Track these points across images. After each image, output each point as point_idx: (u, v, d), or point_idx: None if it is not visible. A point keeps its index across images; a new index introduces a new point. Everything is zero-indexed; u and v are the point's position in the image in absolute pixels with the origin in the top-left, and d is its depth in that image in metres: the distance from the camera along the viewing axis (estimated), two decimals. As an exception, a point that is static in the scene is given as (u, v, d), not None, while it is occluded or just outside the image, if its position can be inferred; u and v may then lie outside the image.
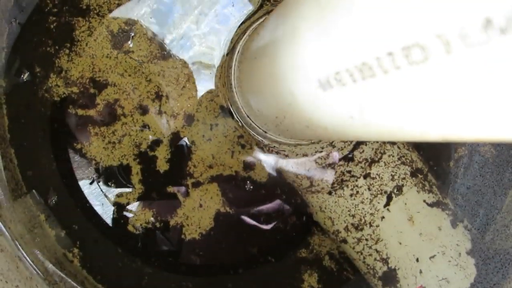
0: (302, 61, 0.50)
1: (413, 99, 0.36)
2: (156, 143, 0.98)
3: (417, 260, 0.88)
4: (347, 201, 0.90)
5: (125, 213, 1.00)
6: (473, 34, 0.27)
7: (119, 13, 0.96)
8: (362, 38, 0.37)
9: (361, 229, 0.90)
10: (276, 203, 1.03)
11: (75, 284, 0.99)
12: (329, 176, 0.91)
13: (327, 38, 0.43)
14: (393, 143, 0.91)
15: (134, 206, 1.00)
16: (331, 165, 0.91)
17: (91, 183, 0.99)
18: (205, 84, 0.97)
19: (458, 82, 0.31)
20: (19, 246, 0.92)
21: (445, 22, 0.29)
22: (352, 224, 0.91)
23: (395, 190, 0.89)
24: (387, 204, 0.89)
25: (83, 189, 0.99)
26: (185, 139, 0.98)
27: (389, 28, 0.34)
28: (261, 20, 0.92)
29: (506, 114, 0.30)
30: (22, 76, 0.94)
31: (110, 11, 0.95)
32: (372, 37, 0.36)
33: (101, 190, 0.99)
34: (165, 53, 0.96)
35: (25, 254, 0.92)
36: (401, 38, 0.33)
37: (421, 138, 0.41)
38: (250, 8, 0.97)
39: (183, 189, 0.99)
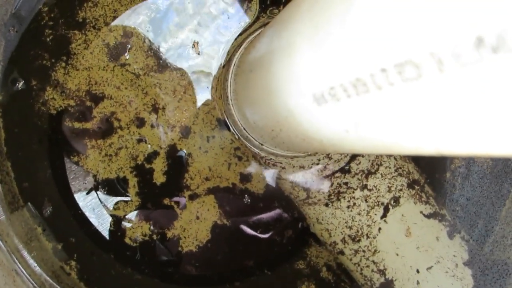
0: (297, 76, 0.50)
1: (407, 115, 0.36)
2: (153, 155, 0.98)
3: (415, 271, 0.88)
4: (344, 213, 0.90)
5: (122, 225, 1.00)
6: (466, 53, 0.27)
7: (117, 21, 0.96)
8: (356, 54, 0.37)
9: (358, 241, 0.90)
10: (275, 212, 1.03)
11: (72, 297, 0.99)
12: (326, 188, 0.91)
13: (321, 53, 0.43)
14: (389, 155, 0.91)
15: (131, 218, 0.99)
16: (328, 177, 0.91)
17: (87, 196, 0.99)
18: (201, 96, 0.97)
19: (451, 100, 0.31)
20: (16, 260, 0.92)
21: (438, 41, 0.29)
22: (349, 236, 0.91)
23: (392, 202, 0.89)
24: (384, 215, 0.89)
25: (79, 202, 0.99)
26: (182, 151, 0.98)
27: (382, 44, 0.34)
28: (257, 32, 0.92)
29: (498, 131, 0.30)
30: (17, 84, 0.93)
31: (107, 24, 0.95)
32: (366, 53, 0.36)
33: (99, 203, 0.99)
34: (162, 65, 0.96)
35: (21, 268, 0.92)
36: (394, 55, 0.33)
37: (416, 153, 0.41)
38: (246, 20, 0.97)
39: (183, 200, 0.99)
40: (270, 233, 1.04)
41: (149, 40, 0.96)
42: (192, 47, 0.97)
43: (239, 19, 0.97)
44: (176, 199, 1.00)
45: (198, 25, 0.97)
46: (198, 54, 0.97)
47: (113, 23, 0.96)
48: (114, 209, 0.99)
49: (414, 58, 0.31)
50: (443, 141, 0.36)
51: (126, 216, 0.99)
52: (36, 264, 0.96)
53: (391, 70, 0.34)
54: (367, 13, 0.35)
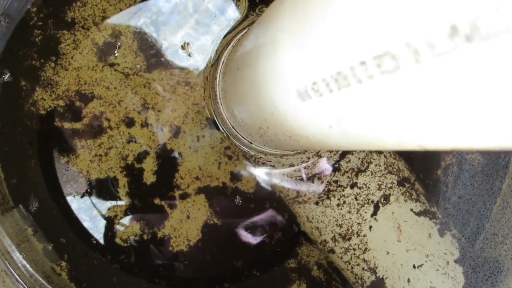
0: (281, 72, 0.50)
1: (387, 109, 0.36)
2: (143, 155, 0.98)
3: (405, 269, 0.88)
4: (334, 211, 0.90)
5: (112, 225, 0.99)
6: (440, 42, 0.27)
7: (107, 21, 0.96)
8: (335, 47, 0.37)
9: (349, 239, 0.90)
10: (268, 214, 1.03)
11: (63, 298, 0.99)
12: (316, 186, 0.91)
13: (303, 48, 0.43)
14: (379, 152, 0.91)
15: (121, 218, 0.99)
16: (318, 175, 0.90)
17: (78, 196, 0.98)
18: (191, 95, 0.97)
19: (429, 92, 0.31)
20: (6, 261, 0.92)
21: (412, 30, 0.28)
22: (340, 234, 0.91)
23: (382, 200, 0.89)
24: (374, 213, 0.89)
25: (70, 203, 0.99)
26: (172, 151, 0.98)
27: (360, 37, 0.34)
28: (245, 30, 0.92)
29: (478, 122, 0.30)
30: (3, 76, 0.93)
31: (96, 23, 0.95)
32: (345, 46, 0.36)
33: (89, 203, 0.99)
34: (151, 64, 0.96)
35: (11, 269, 0.92)
36: (372, 47, 0.33)
37: (399, 147, 0.41)
38: (235, 18, 0.97)
39: (175, 202, 0.99)
40: (263, 235, 1.04)
41: (138, 40, 0.96)
42: (182, 49, 0.97)
43: (228, 17, 0.97)
44: (169, 202, 0.99)
45: (187, 24, 0.97)
46: (189, 55, 0.97)
47: (102, 23, 0.96)
48: (105, 209, 0.99)
49: (391, 49, 0.31)
50: (424, 135, 0.36)
51: (117, 216, 0.99)
52: (26, 265, 0.95)
53: (370, 62, 0.33)
54: (345, 6, 0.35)
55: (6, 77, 0.94)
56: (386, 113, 0.37)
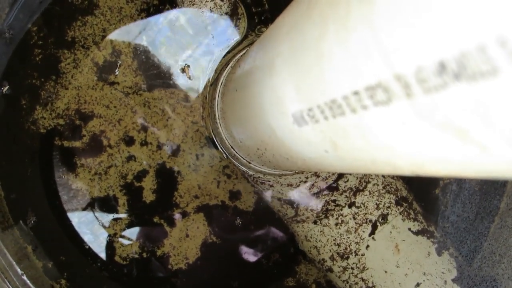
0: (278, 97, 0.50)
1: (381, 139, 0.36)
2: (142, 173, 0.98)
3: (403, 288, 0.88)
4: (332, 230, 0.90)
5: (112, 243, 1.00)
6: (429, 78, 0.27)
7: (106, 40, 0.96)
8: (329, 76, 0.38)
9: (347, 258, 0.90)
10: (268, 230, 1.03)
11: (62, 316, 0.99)
12: (314, 205, 0.91)
13: (298, 74, 0.44)
14: (377, 172, 0.92)
15: (121, 237, 0.99)
16: (316, 194, 0.91)
17: (78, 214, 0.99)
18: (190, 115, 0.97)
19: (421, 127, 0.31)
20: (5, 279, 0.92)
21: (402, 63, 0.29)
22: (338, 253, 0.91)
23: (380, 219, 0.89)
24: (372, 232, 0.89)
25: (70, 220, 0.99)
26: (172, 169, 0.98)
27: (352, 67, 0.34)
28: (244, 51, 0.92)
29: (467, 155, 0.30)
30: (2, 88, 0.93)
31: (96, 43, 0.96)
32: (338, 75, 0.36)
33: (89, 221, 0.99)
34: (151, 83, 0.97)
35: (10, 287, 0.92)
36: (364, 78, 0.33)
37: (393, 173, 0.42)
38: (234, 38, 0.98)
39: (174, 221, 1.00)
40: (261, 254, 1.04)
41: (138, 59, 0.97)
42: (183, 72, 0.97)
43: (227, 37, 0.98)
44: (168, 220, 1.00)
45: (187, 43, 0.97)
46: (189, 78, 0.97)
47: (102, 42, 0.96)
48: (105, 227, 0.99)
49: (383, 81, 0.31)
50: (417, 165, 0.37)
51: (116, 235, 0.99)
52: (26, 283, 0.95)
53: (363, 93, 0.34)
54: (337, 38, 0.35)
55: (5, 89, 0.94)
56: (380, 142, 0.37)
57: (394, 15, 0.29)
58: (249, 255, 1.04)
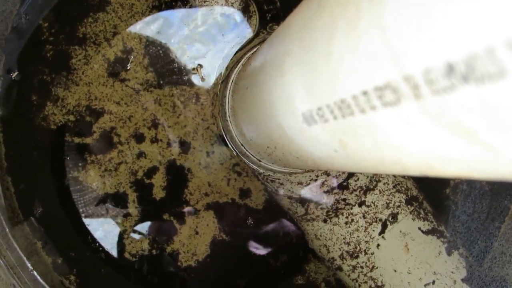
0: (287, 96, 0.50)
1: (391, 139, 0.36)
2: (153, 170, 0.98)
3: (412, 287, 0.88)
4: (342, 229, 0.90)
5: (122, 240, 1.00)
6: (438, 79, 0.27)
7: (118, 37, 0.96)
8: (339, 76, 0.38)
9: (356, 257, 0.90)
10: (280, 224, 1.03)
11: (71, 312, 0.99)
12: (324, 204, 0.91)
13: (308, 73, 0.44)
14: (386, 172, 0.91)
15: (130, 233, 1.00)
16: (326, 193, 0.91)
17: (87, 210, 0.99)
18: (201, 112, 0.98)
19: (430, 127, 0.31)
20: (14, 275, 0.92)
21: (411, 64, 0.29)
22: (347, 252, 0.91)
23: (390, 218, 0.89)
24: (382, 231, 0.89)
25: (80, 217, 0.99)
26: (182, 166, 0.98)
27: (362, 67, 0.34)
28: (255, 48, 0.92)
29: (475, 156, 0.30)
30: (11, 74, 0.93)
31: (107, 39, 0.96)
32: (347, 75, 0.36)
33: (99, 217, 0.99)
34: (162, 80, 0.97)
35: (19, 283, 0.92)
36: (373, 79, 0.33)
37: (403, 173, 0.41)
38: (245, 35, 0.98)
39: (192, 209, 1.00)
40: (270, 249, 1.04)
41: (149, 56, 0.97)
42: (194, 71, 0.97)
43: (238, 35, 0.98)
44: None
45: (199, 40, 0.97)
46: (202, 79, 0.97)
47: (113, 39, 0.96)
48: (114, 224, 0.99)
49: (392, 82, 0.31)
50: (426, 166, 0.36)
51: (126, 231, 0.99)
52: (36, 278, 0.96)
53: (371, 93, 0.34)
54: (348, 38, 0.35)
55: (14, 75, 0.94)
56: (389, 143, 0.37)
57: (403, 16, 0.29)
58: (259, 249, 1.04)
